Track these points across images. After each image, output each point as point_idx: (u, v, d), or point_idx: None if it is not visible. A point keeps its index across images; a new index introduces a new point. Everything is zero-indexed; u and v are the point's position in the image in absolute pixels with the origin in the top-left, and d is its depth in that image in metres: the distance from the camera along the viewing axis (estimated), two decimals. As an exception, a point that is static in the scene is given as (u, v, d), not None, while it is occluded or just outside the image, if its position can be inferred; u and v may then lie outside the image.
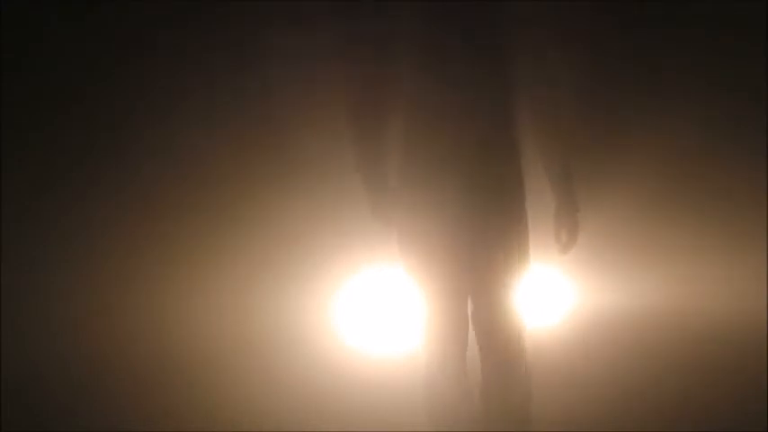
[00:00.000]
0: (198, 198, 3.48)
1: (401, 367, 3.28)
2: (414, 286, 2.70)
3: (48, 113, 3.44)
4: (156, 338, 3.41)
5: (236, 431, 3.18)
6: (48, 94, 3.42)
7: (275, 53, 3.43)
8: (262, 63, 3.45)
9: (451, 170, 2.59)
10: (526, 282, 2.72)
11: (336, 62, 3.05)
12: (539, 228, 2.74)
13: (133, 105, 3.45)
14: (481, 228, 2.63)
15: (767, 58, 3.50)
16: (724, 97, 3.54)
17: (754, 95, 3.53)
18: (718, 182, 3.56)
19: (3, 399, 3.24)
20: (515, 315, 2.70)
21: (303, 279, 3.47)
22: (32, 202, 3.46)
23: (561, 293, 3.54)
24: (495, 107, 2.59)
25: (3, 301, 3.40)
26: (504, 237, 2.65)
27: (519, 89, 2.60)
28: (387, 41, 2.59)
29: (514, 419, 2.75)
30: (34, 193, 3.46)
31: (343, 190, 3.30)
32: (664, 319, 3.53)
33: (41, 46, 3.41)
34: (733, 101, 3.53)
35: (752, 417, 3.18)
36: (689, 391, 3.32)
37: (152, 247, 3.46)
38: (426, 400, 2.82)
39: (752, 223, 3.56)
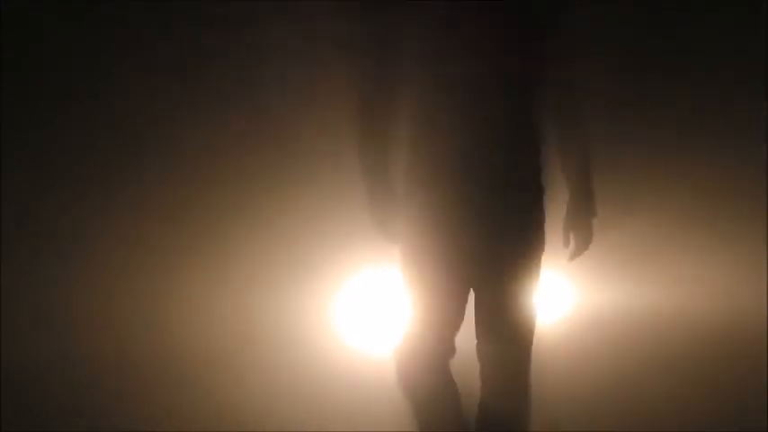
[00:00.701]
0: (198, 198, 3.48)
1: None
2: (412, 287, 2.67)
3: (48, 113, 3.44)
4: (156, 338, 3.41)
5: (235, 431, 3.18)
6: (48, 94, 3.42)
7: (275, 53, 3.43)
8: (262, 63, 3.45)
9: (455, 172, 2.56)
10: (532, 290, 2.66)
11: (336, 62, 3.05)
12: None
13: (133, 105, 3.45)
14: (488, 234, 2.57)
15: (767, 57, 3.50)
16: (724, 97, 3.54)
17: (754, 95, 3.53)
18: (718, 182, 3.56)
19: (3, 399, 3.24)
20: (516, 321, 2.66)
21: (303, 279, 3.47)
22: (32, 202, 3.46)
23: (561, 293, 3.54)
24: (498, 108, 2.57)
25: (3, 301, 3.40)
26: (514, 245, 2.58)
27: (520, 90, 2.59)
28: (387, 41, 2.59)
29: (513, 420, 2.74)
30: (34, 193, 3.46)
31: (343, 190, 3.30)
32: (664, 319, 3.53)
33: (41, 46, 3.41)
34: (733, 102, 3.53)
35: (752, 417, 3.19)
36: (689, 391, 3.33)
37: (152, 247, 3.46)
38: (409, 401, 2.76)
39: (752, 223, 3.56)
